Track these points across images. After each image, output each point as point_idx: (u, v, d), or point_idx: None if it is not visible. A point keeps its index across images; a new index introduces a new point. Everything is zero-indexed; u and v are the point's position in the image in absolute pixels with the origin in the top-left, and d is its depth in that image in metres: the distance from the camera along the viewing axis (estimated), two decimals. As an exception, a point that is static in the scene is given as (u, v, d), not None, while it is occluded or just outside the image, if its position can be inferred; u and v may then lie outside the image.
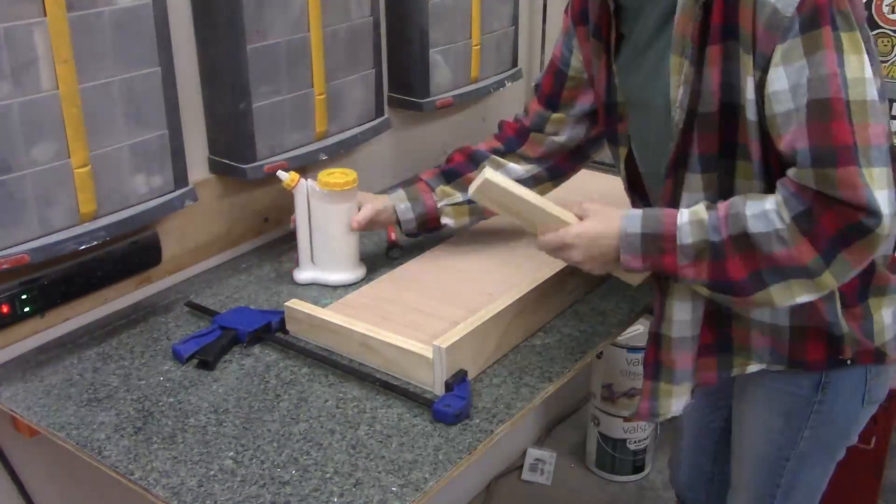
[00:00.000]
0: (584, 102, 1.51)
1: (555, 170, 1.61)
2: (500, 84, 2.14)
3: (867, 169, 1.07)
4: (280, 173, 1.49)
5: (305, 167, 1.68)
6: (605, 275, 1.49)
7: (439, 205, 1.57)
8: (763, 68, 1.10)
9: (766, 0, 1.07)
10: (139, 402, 1.26)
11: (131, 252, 1.48)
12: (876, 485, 2.30)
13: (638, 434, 2.60)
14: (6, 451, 1.40)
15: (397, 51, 1.91)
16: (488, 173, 1.25)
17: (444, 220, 1.58)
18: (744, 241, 1.13)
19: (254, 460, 1.14)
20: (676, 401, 1.33)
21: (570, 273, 1.46)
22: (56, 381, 1.31)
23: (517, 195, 1.26)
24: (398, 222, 1.58)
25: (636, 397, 2.53)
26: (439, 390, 1.25)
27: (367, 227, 1.56)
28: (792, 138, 1.09)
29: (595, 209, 1.26)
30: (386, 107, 1.89)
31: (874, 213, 1.06)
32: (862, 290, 1.28)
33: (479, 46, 2.04)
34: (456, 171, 1.58)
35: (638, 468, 2.66)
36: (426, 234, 1.63)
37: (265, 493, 1.08)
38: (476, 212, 1.59)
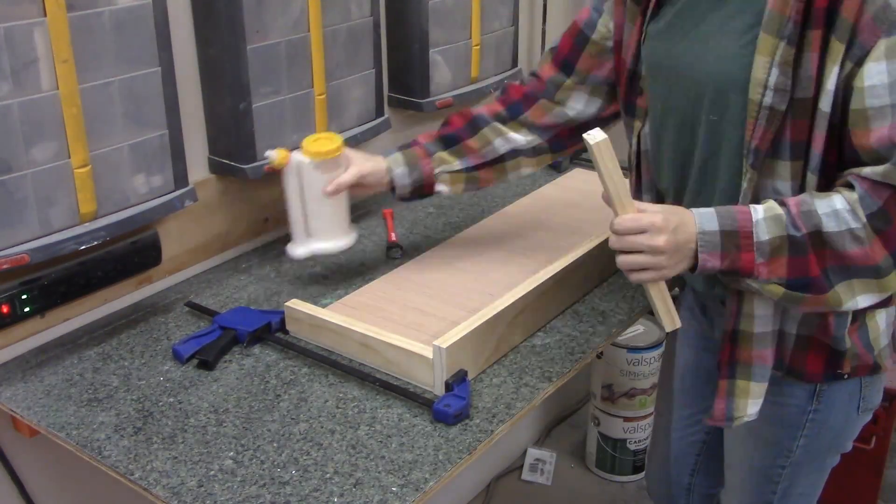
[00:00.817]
0: (600, 73, 1.43)
1: (556, 143, 1.51)
2: (500, 84, 2.14)
3: None
4: (269, 153, 1.44)
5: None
6: (606, 276, 1.49)
7: (436, 171, 1.49)
8: (858, 61, 1.06)
9: None
10: (139, 402, 1.26)
11: (131, 252, 1.48)
12: (876, 485, 2.31)
13: (638, 434, 2.60)
14: (6, 451, 1.40)
15: (397, 51, 1.91)
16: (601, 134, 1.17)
17: (439, 188, 1.50)
18: (818, 239, 1.10)
19: (254, 460, 1.14)
20: (753, 402, 1.27)
21: (569, 273, 1.46)
22: (56, 381, 1.31)
23: (613, 167, 1.17)
24: (392, 188, 1.49)
25: (636, 397, 2.54)
26: (439, 390, 1.25)
27: (353, 192, 1.48)
28: (889, 133, 1.06)
29: (657, 207, 1.18)
30: (386, 107, 1.89)
31: None
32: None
33: (479, 46, 2.04)
34: (455, 136, 1.50)
35: (638, 468, 2.66)
36: (418, 200, 1.54)
37: (265, 493, 1.08)
38: (471, 180, 1.51)
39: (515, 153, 1.50)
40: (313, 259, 1.55)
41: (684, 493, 1.69)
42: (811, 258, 1.11)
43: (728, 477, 1.51)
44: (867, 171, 1.08)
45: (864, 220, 1.08)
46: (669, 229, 1.13)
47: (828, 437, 1.37)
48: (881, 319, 1.28)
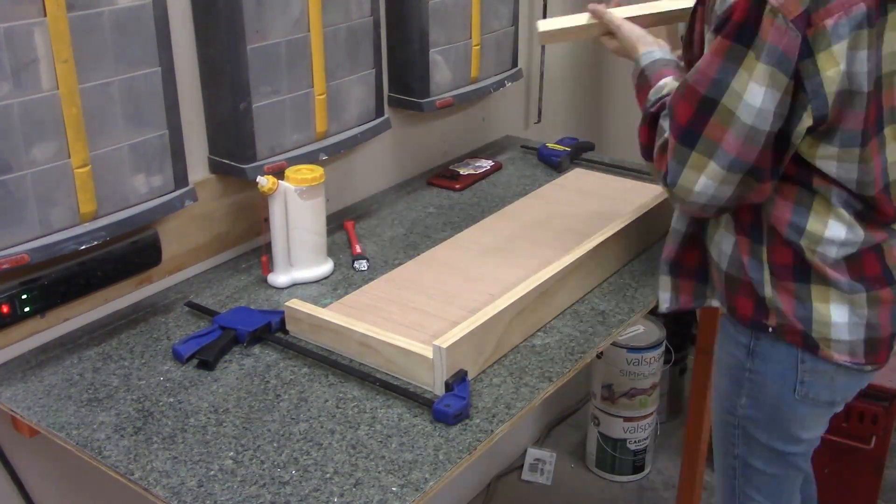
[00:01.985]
0: None
1: None
2: (500, 84, 2.14)
3: (700, 156, 1.25)
4: (260, 179, 1.50)
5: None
6: (606, 276, 1.50)
7: None
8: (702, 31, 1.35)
9: None
10: (139, 402, 1.26)
11: (131, 252, 1.48)
12: (876, 485, 2.31)
13: (638, 434, 2.60)
14: (6, 451, 1.40)
15: (397, 51, 1.91)
16: (540, 26, 1.55)
17: None
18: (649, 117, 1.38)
19: (254, 460, 1.14)
20: (661, 293, 1.49)
21: (569, 273, 1.46)
22: (56, 381, 1.31)
23: (573, 26, 1.54)
24: None
25: (636, 397, 2.54)
26: (439, 390, 1.25)
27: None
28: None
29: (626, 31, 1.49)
30: (386, 107, 1.89)
31: (673, 182, 1.28)
32: (796, 270, 1.33)
33: (479, 46, 2.04)
34: None
35: (638, 468, 2.66)
36: None
37: (265, 493, 1.08)
38: None
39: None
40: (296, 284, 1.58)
41: None
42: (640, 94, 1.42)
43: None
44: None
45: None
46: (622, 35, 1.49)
47: (766, 407, 1.42)
48: (837, 313, 1.32)
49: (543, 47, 2.40)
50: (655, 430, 2.67)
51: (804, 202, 1.30)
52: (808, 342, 1.34)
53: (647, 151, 1.37)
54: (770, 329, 1.36)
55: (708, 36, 1.28)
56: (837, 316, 1.32)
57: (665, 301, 1.48)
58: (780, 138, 1.24)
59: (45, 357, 1.37)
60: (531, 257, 1.62)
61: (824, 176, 1.27)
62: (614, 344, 2.41)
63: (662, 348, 2.57)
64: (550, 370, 1.32)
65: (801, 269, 1.32)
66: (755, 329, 1.38)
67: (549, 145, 2.11)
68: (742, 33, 1.19)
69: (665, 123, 1.31)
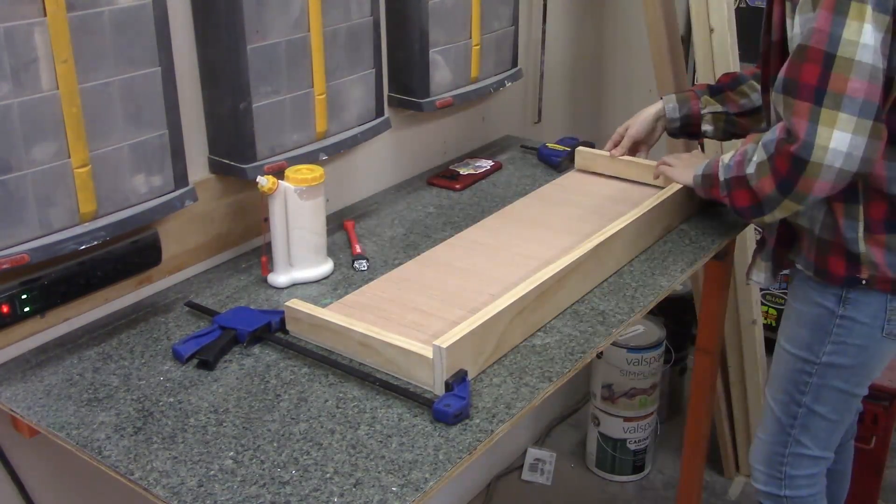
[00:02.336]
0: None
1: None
2: (500, 84, 2.14)
3: (829, 111, 1.34)
4: (260, 179, 1.50)
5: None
6: (606, 276, 1.50)
7: (703, 111, 1.81)
8: (791, 14, 1.42)
9: None
10: (139, 402, 1.26)
11: (131, 252, 1.48)
12: (876, 485, 2.31)
13: (638, 434, 2.60)
14: (6, 451, 1.40)
15: (397, 51, 1.91)
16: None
17: (705, 128, 1.83)
18: (740, 181, 1.51)
19: (254, 460, 1.14)
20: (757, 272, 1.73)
21: (569, 273, 1.46)
22: (56, 381, 1.31)
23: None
24: (665, 121, 1.85)
25: (636, 397, 2.54)
26: (439, 390, 1.25)
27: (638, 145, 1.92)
28: (783, 67, 1.41)
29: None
30: (386, 107, 1.89)
31: (808, 145, 1.35)
32: (888, 223, 1.50)
33: (479, 46, 2.04)
34: (719, 87, 1.83)
35: (638, 468, 2.66)
36: (688, 138, 1.92)
37: (265, 493, 1.08)
38: (731, 124, 1.82)
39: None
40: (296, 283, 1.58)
41: None
42: (737, 194, 1.54)
43: (767, 391, 1.75)
44: (780, 95, 1.42)
45: (761, 158, 1.45)
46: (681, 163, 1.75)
47: (853, 350, 1.59)
48: None
49: (543, 47, 2.40)
50: (655, 430, 2.67)
51: (894, 158, 1.46)
52: None
53: (756, 209, 1.50)
54: (863, 281, 1.53)
55: (801, 5, 1.38)
56: None
57: (775, 276, 1.71)
58: (889, 81, 1.38)
59: (45, 357, 1.37)
60: (531, 257, 1.62)
61: None
62: (614, 344, 2.41)
63: (662, 348, 2.57)
64: (550, 370, 1.32)
65: (890, 219, 1.50)
66: (848, 284, 1.55)
67: (549, 145, 2.11)
68: None
69: (762, 144, 1.44)
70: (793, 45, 1.40)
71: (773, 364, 1.73)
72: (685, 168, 1.72)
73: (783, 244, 1.67)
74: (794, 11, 1.41)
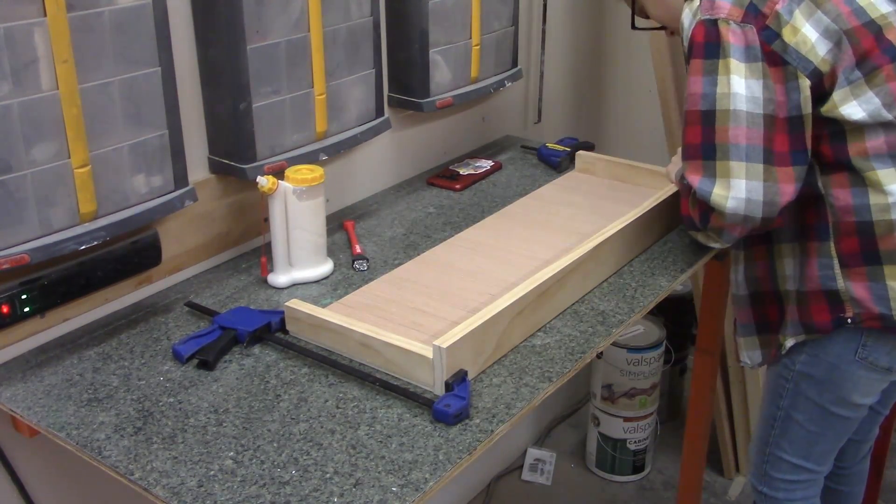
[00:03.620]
0: None
1: None
2: (500, 84, 2.14)
3: (720, 162, 1.40)
4: (260, 179, 1.50)
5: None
6: (606, 276, 1.50)
7: None
8: None
9: (682, 39, 1.50)
10: (139, 402, 1.26)
11: (131, 252, 1.48)
12: (876, 485, 2.30)
13: (638, 434, 2.60)
14: (6, 451, 1.40)
15: (397, 51, 1.91)
16: None
17: None
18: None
19: (254, 460, 1.14)
20: (748, 353, 1.70)
21: (569, 273, 1.46)
22: (56, 381, 1.31)
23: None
24: None
25: (636, 397, 2.54)
26: (439, 390, 1.25)
27: None
28: None
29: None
30: (386, 107, 1.89)
31: (706, 195, 1.41)
32: (865, 253, 1.46)
33: (479, 46, 2.04)
34: None
35: (638, 468, 2.66)
36: None
37: (265, 493, 1.08)
38: None
39: None
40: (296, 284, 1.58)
41: None
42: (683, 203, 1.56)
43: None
44: None
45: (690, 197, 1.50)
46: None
47: (824, 365, 1.55)
48: None
49: (543, 47, 2.40)
50: (655, 430, 2.67)
51: (857, 183, 1.44)
52: (885, 321, 1.46)
53: (690, 221, 1.52)
54: (849, 321, 1.48)
55: (687, 69, 1.46)
56: None
57: (758, 357, 1.68)
58: (794, 122, 1.40)
59: (45, 357, 1.37)
60: (531, 257, 1.62)
61: (858, 139, 1.42)
62: (614, 344, 2.41)
63: (662, 348, 2.57)
64: (550, 370, 1.32)
65: (865, 251, 1.46)
66: (837, 325, 1.50)
67: (549, 145, 2.11)
68: (708, 48, 1.41)
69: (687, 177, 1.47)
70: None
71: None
72: (674, 165, 1.75)
73: (773, 320, 1.64)
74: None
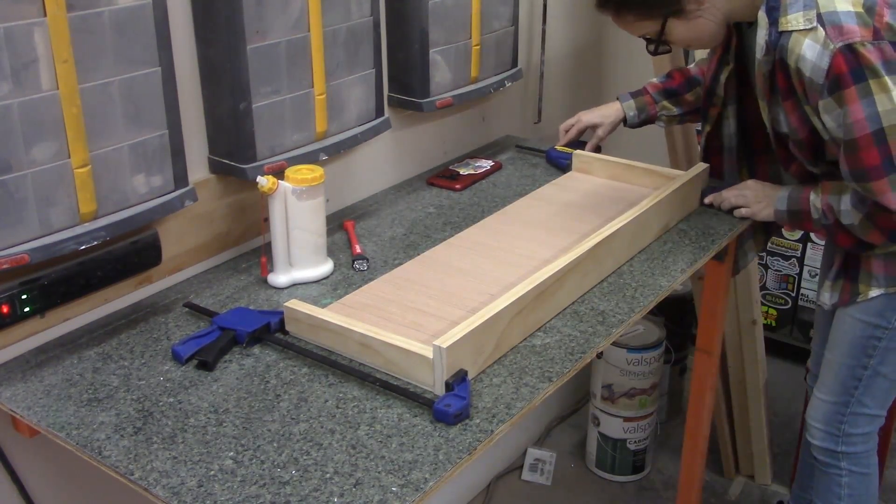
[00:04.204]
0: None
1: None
2: (500, 84, 2.14)
3: None
4: (260, 179, 1.50)
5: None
6: (606, 276, 1.50)
7: (659, 114, 2.02)
8: (814, 114, 1.58)
9: (803, 72, 1.52)
10: (139, 402, 1.26)
11: (131, 252, 1.48)
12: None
13: (638, 434, 2.60)
14: (6, 451, 1.40)
15: (397, 51, 1.91)
16: None
17: (659, 124, 2.06)
18: (841, 226, 1.64)
19: (254, 460, 1.14)
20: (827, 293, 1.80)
21: (568, 272, 1.46)
22: (56, 381, 1.31)
23: None
24: (623, 121, 2.03)
25: (636, 397, 2.54)
26: (439, 390, 1.25)
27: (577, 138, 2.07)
28: (841, 160, 1.56)
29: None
30: (386, 107, 1.89)
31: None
32: None
33: (479, 46, 2.04)
34: (676, 91, 2.02)
35: (638, 468, 2.66)
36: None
37: (265, 493, 1.08)
38: (682, 121, 2.06)
39: None
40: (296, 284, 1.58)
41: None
42: (840, 234, 1.67)
43: (827, 356, 1.85)
44: (853, 184, 1.58)
45: (861, 219, 1.60)
46: (755, 192, 1.81)
47: None
48: None
49: (543, 47, 2.40)
50: (655, 430, 2.67)
51: None
52: None
53: (861, 247, 1.65)
54: None
55: (822, 104, 1.52)
56: None
57: (833, 298, 1.78)
58: None
59: (45, 357, 1.37)
60: (531, 257, 1.62)
61: None
62: (614, 344, 2.41)
63: (662, 348, 2.57)
64: (550, 370, 1.32)
65: None
66: None
67: (559, 148, 2.11)
68: (855, 74, 1.46)
69: (851, 206, 1.59)
70: (833, 135, 1.56)
71: (839, 331, 1.81)
72: (763, 205, 1.78)
73: (853, 266, 1.75)
74: (815, 112, 1.56)
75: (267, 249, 1.59)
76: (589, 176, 2.01)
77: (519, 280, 1.42)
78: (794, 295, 3.03)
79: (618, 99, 2.04)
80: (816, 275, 2.89)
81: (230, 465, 1.13)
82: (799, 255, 2.98)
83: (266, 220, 1.55)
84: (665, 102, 2.02)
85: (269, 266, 1.58)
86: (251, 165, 1.58)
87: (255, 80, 1.54)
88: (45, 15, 1.24)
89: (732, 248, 1.97)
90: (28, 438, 1.35)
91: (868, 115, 1.47)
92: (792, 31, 1.52)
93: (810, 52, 1.50)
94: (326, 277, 1.59)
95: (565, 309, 1.49)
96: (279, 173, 1.55)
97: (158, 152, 1.45)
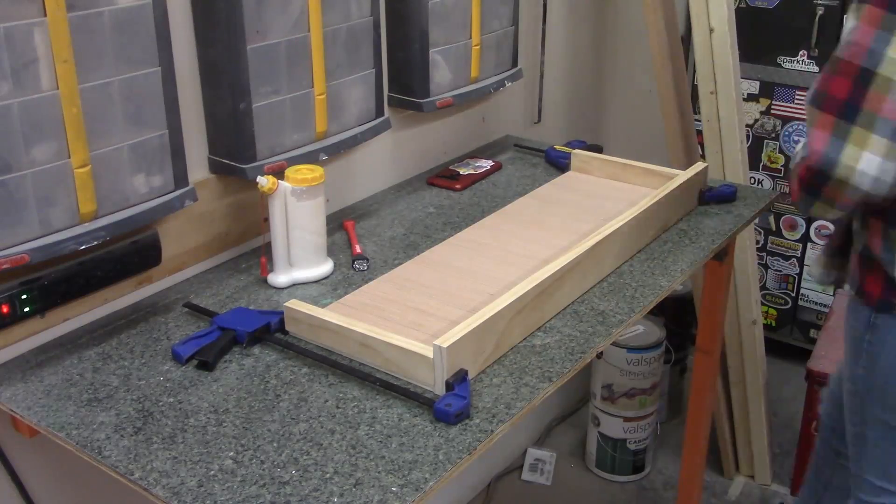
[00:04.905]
0: None
1: None
2: (500, 84, 2.14)
3: (861, 129, 1.27)
4: (260, 179, 1.50)
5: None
6: (605, 276, 1.50)
7: None
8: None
9: None
10: (139, 402, 1.26)
11: (131, 252, 1.48)
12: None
13: (638, 434, 2.60)
14: (6, 451, 1.40)
15: (397, 51, 1.91)
16: None
17: None
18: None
19: (254, 460, 1.14)
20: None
21: (568, 272, 1.46)
22: (56, 381, 1.31)
23: None
24: None
25: (636, 397, 2.54)
26: (440, 390, 1.25)
27: None
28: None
29: None
30: (386, 107, 1.89)
31: (831, 161, 1.29)
32: None
33: (479, 46, 2.04)
34: None
35: (638, 468, 2.66)
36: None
37: (265, 493, 1.08)
38: None
39: None
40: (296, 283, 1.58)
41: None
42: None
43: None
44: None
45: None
46: None
47: (878, 377, 1.51)
48: None
49: (543, 47, 2.40)
50: (655, 430, 2.67)
51: None
52: None
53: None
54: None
55: (853, 7, 1.30)
56: None
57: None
58: None
59: (45, 357, 1.37)
60: (530, 257, 1.62)
61: None
62: (614, 344, 2.41)
63: (662, 348, 2.57)
64: (550, 370, 1.32)
65: None
66: (881, 308, 1.48)
67: (558, 147, 2.11)
68: (892, 2, 1.24)
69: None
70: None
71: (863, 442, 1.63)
72: None
73: (843, 251, 1.61)
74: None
75: (267, 249, 1.59)
76: (588, 176, 2.01)
77: (519, 280, 1.42)
78: (794, 295, 3.04)
79: None
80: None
81: (230, 465, 1.13)
82: (799, 255, 2.98)
83: (266, 220, 1.55)
84: None
85: (269, 266, 1.58)
86: (251, 165, 1.58)
87: (255, 80, 1.54)
88: (45, 15, 1.24)
89: (732, 248, 1.97)
90: (28, 438, 1.35)
91: (872, 49, 1.26)
92: None
93: None
94: (326, 277, 1.59)
95: (565, 309, 1.49)
96: (279, 173, 1.55)
97: (158, 152, 1.45)
